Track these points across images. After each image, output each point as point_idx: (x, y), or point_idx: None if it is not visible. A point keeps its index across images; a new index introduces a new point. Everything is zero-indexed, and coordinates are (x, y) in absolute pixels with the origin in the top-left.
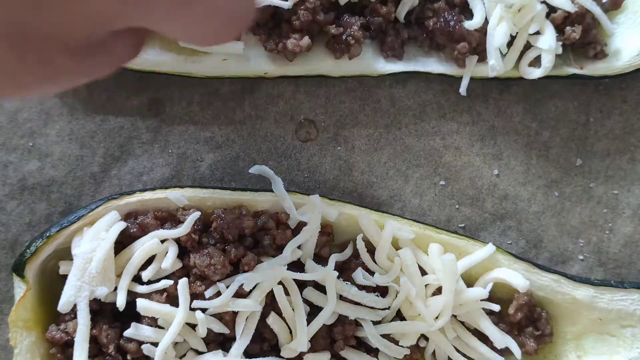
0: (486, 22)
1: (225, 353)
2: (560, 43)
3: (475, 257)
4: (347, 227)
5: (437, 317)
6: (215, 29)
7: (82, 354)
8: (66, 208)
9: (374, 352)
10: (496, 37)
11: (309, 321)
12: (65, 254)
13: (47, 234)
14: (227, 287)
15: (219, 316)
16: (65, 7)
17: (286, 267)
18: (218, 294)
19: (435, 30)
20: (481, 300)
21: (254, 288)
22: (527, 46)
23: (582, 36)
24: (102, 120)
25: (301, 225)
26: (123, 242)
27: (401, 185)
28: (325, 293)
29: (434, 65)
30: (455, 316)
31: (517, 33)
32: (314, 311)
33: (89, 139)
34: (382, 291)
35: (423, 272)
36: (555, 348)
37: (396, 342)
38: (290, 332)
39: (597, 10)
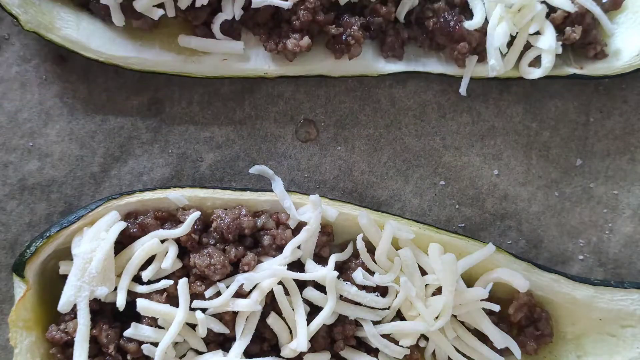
0: (486, 22)
1: (225, 353)
2: (560, 43)
3: (475, 257)
4: (347, 227)
5: (437, 317)
6: None
7: (82, 354)
8: (66, 208)
9: (374, 352)
10: (496, 37)
11: (309, 321)
12: (65, 254)
13: (47, 234)
14: (227, 287)
15: (219, 316)
16: None
17: (286, 267)
18: (218, 294)
19: (435, 30)
20: (481, 300)
21: (254, 288)
22: (527, 46)
23: (582, 36)
24: (102, 120)
25: (301, 225)
26: (123, 242)
27: (401, 185)
28: (325, 293)
29: (434, 65)
30: (455, 316)
31: (517, 33)
32: (314, 311)
33: (89, 139)
34: (382, 291)
35: (423, 272)
36: (555, 348)
37: (396, 342)
38: (290, 332)
39: (597, 10)
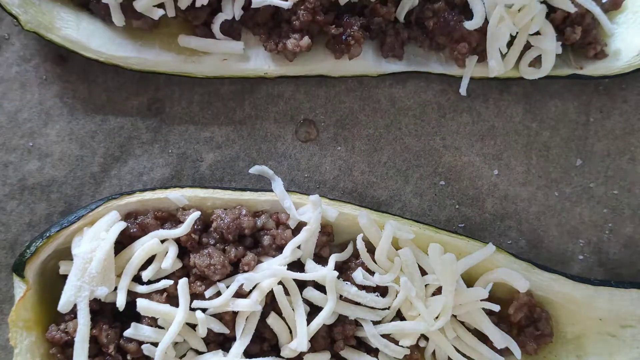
0: (486, 22)
1: (225, 353)
2: (560, 43)
3: (475, 257)
4: (347, 227)
5: (437, 317)
6: None
7: (82, 354)
8: (66, 208)
9: (374, 352)
10: (496, 37)
11: (309, 321)
12: (65, 254)
13: (47, 234)
14: (227, 287)
15: (219, 316)
16: None
17: (286, 267)
18: (218, 294)
19: (435, 30)
20: (481, 300)
21: (254, 288)
22: (527, 46)
23: (582, 36)
24: (102, 120)
25: (301, 225)
26: (123, 242)
27: (401, 185)
28: (325, 293)
29: (434, 65)
30: (455, 316)
31: (517, 33)
32: (314, 311)
33: (89, 139)
34: (382, 291)
35: (423, 272)
36: (555, 348)
37: (396, 342)
38: (290, 332)
39: (597, 10)
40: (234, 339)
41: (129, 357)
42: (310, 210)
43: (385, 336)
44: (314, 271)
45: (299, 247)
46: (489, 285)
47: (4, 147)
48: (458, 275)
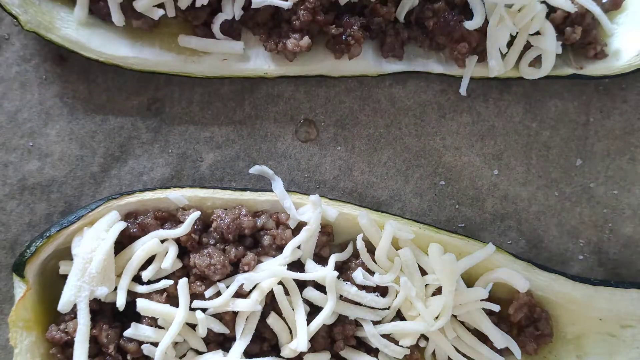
0: (486, 22)
1: (225, 353)
2: (560, 43)
3: (475, 257)
4: (347, 227)
5: (437, 317)
6: None
7: (82, 354)
8: (66, 208)
9: (374, 352)
10: (496, 37)
11: (309, 321)
12: (65, 254)
13: (47, 234)
14: (227, 287)
15: (219, 316)
16: None
17: (286, 267)
18: (218, 294)
19: (435, 30)
20: (481, 300)
21: (254, 288)
22: (527, 46)
23: (582, 36)
24: (102, 120)
25: (301, 225)
26: (123, 242)
27: (401, 185)
28: (325, 293)
29: (434, 65)
30: (455, 316)
31: (517, 33)
32: (314, 311)
33: (89, 139)
34: (382, 291)
35: (423, 272)
36: (555, 348)
37: (396, 342)
38: (290, 332)
39: (597, 10)
40: (234, 339)
41: (129, 357)
42: (310, 210)
43: (385, 336)
44: (314, 271)
45: (299, 247)
46: (489, 285)
47: (4, 147)
48: (458, 275)
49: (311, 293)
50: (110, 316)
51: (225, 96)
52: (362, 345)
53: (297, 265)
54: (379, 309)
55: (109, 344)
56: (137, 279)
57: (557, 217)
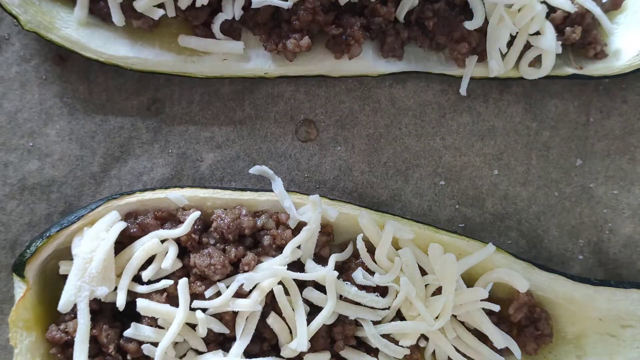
0: (486, 22)
1: (225, 353)
2: (560, 43)
3: (475, 257)
4: (347, 227)
5: (437, 317)
6: None
7: (82, 354)
8: (66, 208)
9: (374, 352)
10: (496, 37)
11: (309, 321)
12: (65, 254)
13: (47, 234)
14: (227, 287)
15: (219, 316)
16: None
17: (286, 267)
18: (218, 294)
19: (435, 30)
20: (481, 300)
21: (254, 288)
22: (527, 46)
23: (582, 36)
24: (102, 120)
25: (301, 225)
26: (123, 242)
27: (401, 185)
28: (325, 293)
29: (434, 65)
30: (455, 316)
31: (517, 33)
32: (314, 311)
33: (89, 139)
34: (382, 291)
35: (423, 272)
36: (555, 348)
37: (396, 342)
38: (290, 332)
39: (597, 10)
40: (234, 339)
41: (129, 357)
42: (310, 210)
43: (385, 336)
44: (314, 271)
45: (299, 247)
46: (489, 285)
47: (4, 147)
48: (458, 275)
49: (311, 293)
50: (110, 316)
51: (225, 96)
52: (362, 345)
53: (297, 265)
54: (379, 309)
55: (109, 344)
56: (137, 279)
57: (557, 217)
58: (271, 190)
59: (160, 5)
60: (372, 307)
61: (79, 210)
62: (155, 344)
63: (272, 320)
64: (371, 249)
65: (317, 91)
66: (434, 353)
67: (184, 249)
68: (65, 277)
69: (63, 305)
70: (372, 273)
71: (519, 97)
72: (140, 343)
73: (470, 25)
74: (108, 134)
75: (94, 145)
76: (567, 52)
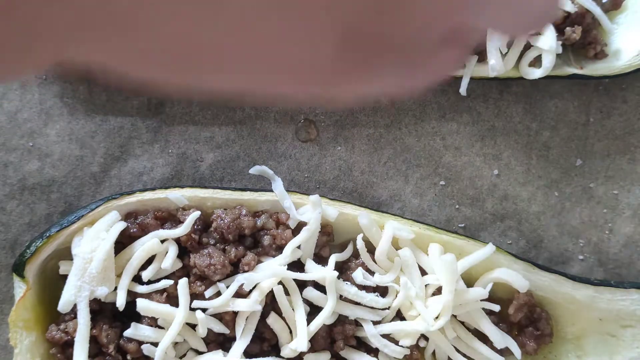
0: None
1: (225, 353)
2: (560, 43)
3: (475, 257)
4: (347, 227)
5: (437, 317)
6: (531, 18)
7: (82, 354)
8: (66, 208)
9: (374, 352)
10: (496, 37)
11: (309, 321)
12: (65, 254)
13: (47, 234)
14: (227, 287)
15: (219, 316)
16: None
17: (286, 267)
18: (218, 294)
19: None
20: (481, 300)
21: (254, 288)
22: (527, 46)
23: (582, 36)
24: (102, 120)
25: (301, 225)
26: (123, 242)
27: (401, 185)
28: (325, 293)
29: None
30: (455, 316)
31: None
32: (314, 311)
33: (89, 139)
34: (382, 291)
35: (423, 272)
36: (555, 348)
37: (396, 342)
38: (290, 332)
39: (597, 10)
40: (234, 339)
41: (129, 357)
42: (310, 210)
43: (385, 336)
44: (314, 271)
45: (299, 247)
46: (489, 285)
47: (4, 147)
48: (458, 275)
49: (311, 293)
50: (110, 316)
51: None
52: (362, 345)
53: (297, 265)
54: (379, 309)
55: (109, 344)
56: (137, 279)
57: (557, 217)
58: (271, 190)
59: None
60: (372, 307)
61: (79, 210)
62: (155, 344)
63: (272, 320)
64: (371, 249)
65: None
66: (434, 353)
67: (184, 249)
68: (65, 277)
69: (63, 305)
70: (372, 273)
71: (519, 97)
72: (140, 343)
73: None
74: (108, 134)
75: (94, 145)
76: (567, 52)
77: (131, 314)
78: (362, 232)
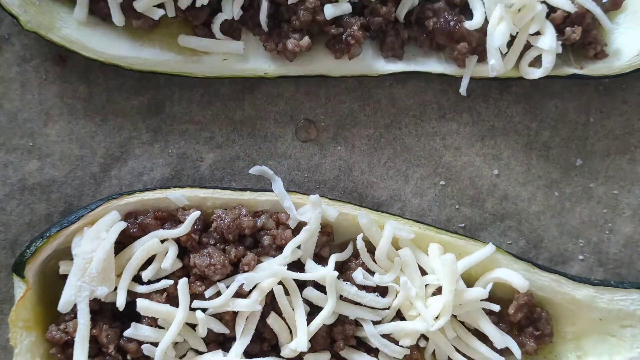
0: (486, 22)
1: (225, 353)
2: (560, 43)
3: (475, 257)
4: (347, 227)
5: (437, 317)
6: None
7: (82, 354)
8: (66, 208)
9: (374, 352)
10: (496, 37)
11: (309, 321)
12: (65, 254)
13: (47, 234)
14: (227, 287)
15: (219, 316)
16: None
17: (286, 267)
18: (218, 294)
19: (435, 30)
20: (481, 300)
21: (254, 288)
22: (527, 46)
23: (582, 36)
24: (102, 120)
25: (301, 225)
26: (123, 242)
27: (401, 185)
28: (325, 293)
29: (434, 65)
30: (455, 316)
31: (517, 33)
32: (314, 311)
33: (89, 139)
34: (382, 291)
35: (423, 272)
36: (555, 348)
37: (396, 342)
38: (290, 332)
39: (597, 10)
40: (234, 339)
41: (129, 357)
42: (310, 210)
43: (385, 336)
44: (314, 271)
45: (299, 247)
46: (489, 285)
47: (4, 147)
48: (458, 275)
49: (311, 293)
50: (110, 316)
51: (225, 96)
52: (362, 345)
53: (297, 265)
54: (379, 309)
55: (109, 344)
56: (137, 279)
57: (557, 217)
58: (271, 190)
59: (160, 6)
60: (372, 307)
61: (79, 210)
62: (155, 344)
63: (272, 320)
64: (371, 249)
65: (317, 91)
66: (434, 353)
67: (184, 249)
68: (65, 277)
69: (63, 305)
70: (372, 273)
71: (519, 97)
72: (140, 343)
73: (470, 25)
74: (108, 134)
75: (94, 145)
76: (567, 52)
77: (131, 314)
78: (362, 232)
